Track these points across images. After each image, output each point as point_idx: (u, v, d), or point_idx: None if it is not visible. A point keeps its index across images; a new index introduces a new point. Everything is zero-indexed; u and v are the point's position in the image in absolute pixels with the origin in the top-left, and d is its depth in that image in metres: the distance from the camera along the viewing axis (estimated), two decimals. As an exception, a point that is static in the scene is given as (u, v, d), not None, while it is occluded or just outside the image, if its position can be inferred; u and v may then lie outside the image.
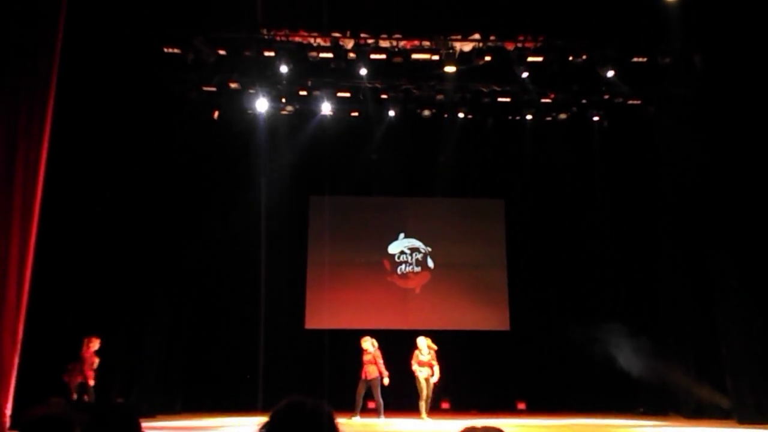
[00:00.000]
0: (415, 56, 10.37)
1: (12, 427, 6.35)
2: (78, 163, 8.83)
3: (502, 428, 1.92)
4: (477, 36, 10.16)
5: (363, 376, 10.18)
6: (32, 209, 6.66)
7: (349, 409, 9.89)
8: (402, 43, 10.26)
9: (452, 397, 12.19)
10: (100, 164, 9.43)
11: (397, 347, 10.63)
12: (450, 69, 10.31)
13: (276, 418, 1.89)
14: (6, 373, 6.27)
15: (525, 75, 10.55)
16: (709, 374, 10.16)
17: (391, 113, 11.98)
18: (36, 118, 6.80)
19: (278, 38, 10.12)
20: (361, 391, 10.16)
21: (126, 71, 9.55)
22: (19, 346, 6.41)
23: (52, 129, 6.92)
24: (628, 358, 11.19)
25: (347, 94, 11.47)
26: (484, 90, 11.43)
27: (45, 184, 6.82)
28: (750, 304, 9.44)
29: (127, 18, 9.01)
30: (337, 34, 10.13)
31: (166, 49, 10.17)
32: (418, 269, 13.33)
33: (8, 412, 6.28)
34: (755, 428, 8.83)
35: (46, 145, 6.84)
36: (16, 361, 6.38)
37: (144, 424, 3.07)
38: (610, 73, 10.50)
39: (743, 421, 9.25)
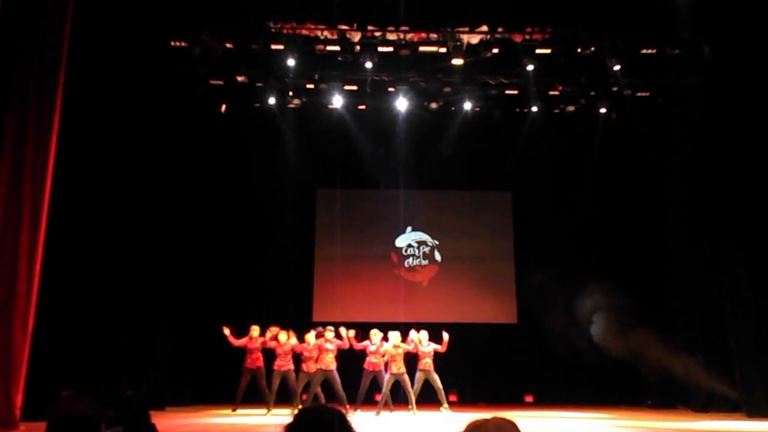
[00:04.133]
0: (422, 48, 10.35)
1: (24, 418, 6.42)
2: (86, 157, 8.86)
3: (514, 420, 1.90)
4: (484, 28, 10.12)
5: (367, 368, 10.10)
6: (41, 204, 6.70)
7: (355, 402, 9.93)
8: (409, 36, 10.22)
9: (459, 389, 12.22)
10: (107, 158, 9.46)
11: (404, 340, 10.61)
12: (457, 61, 10.25)
13: (293, 427, 1.90)
14: (17, 365, 6.33)
15: (532, 67, 10.50)
16: (718, 367, 10.12)
17: (399, 106, 11.95)
18: (44, 112, 6.84)
19: (285, 31, 10.11)
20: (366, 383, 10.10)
21: (133, 65, 9.55)
22: (29, 339, 6.47)
23: (60, 123, 6.97)
24: (636, 350, 11.15)
25: (354, 87, 11.43)
26: (492, 82, 11.38)
27: (54, 178, 6.86)
28: (760, 297, 9.40)
29: (134, 12, 9.02)
30: (344, 27, 10.11)
31: (173, 43, 10.21)
32: (425, 262, 13.33)
33: (19, 403, 6.34)
34: (764, 421, 8.81)
35: (54, 139, 6.88)
36: (27, 353, 6.44)
37: (153, 416, 3.10)
38: (619, 65, 10.43)
39: (752, 413, 9.23)
